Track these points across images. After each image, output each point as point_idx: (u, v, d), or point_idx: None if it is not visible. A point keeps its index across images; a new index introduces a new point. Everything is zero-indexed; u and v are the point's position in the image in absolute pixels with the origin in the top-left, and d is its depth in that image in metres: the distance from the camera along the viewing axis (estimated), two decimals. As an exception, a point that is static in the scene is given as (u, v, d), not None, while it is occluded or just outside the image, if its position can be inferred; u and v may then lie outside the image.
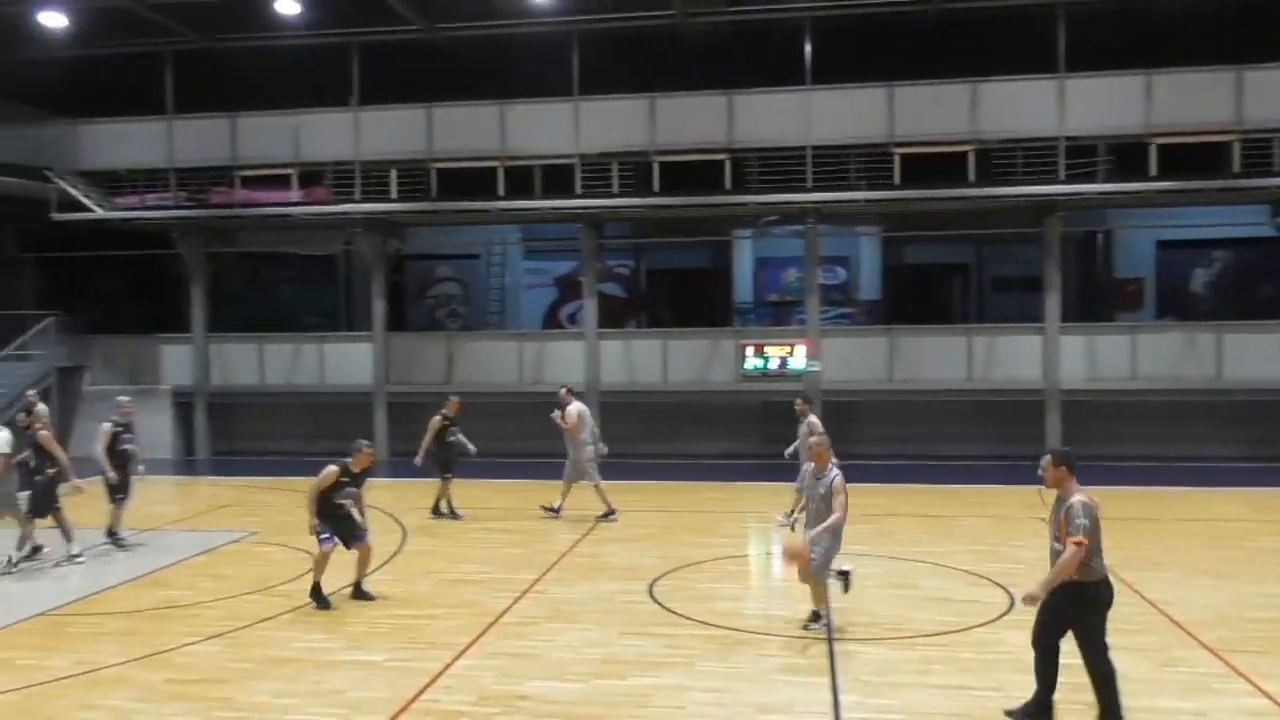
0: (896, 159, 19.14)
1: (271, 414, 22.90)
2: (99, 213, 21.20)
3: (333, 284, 25.98)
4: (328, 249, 23.79)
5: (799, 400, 14.50)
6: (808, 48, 19.37)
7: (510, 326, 24.90)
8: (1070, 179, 18.71)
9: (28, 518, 11.78)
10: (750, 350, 20.57)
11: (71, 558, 11.87)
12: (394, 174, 20.56)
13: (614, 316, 23.58)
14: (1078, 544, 6.48)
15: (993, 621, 9.35)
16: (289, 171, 20.97)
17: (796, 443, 13.94)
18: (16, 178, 21.07)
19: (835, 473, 9.00)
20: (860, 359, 20.52)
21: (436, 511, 14.81)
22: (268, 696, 7.67)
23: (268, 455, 21.99)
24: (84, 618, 9.74)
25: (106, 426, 12.83)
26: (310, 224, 21.92)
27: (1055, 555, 6.73)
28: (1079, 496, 6.66)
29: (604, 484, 14.75)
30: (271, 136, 21.04)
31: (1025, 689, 7.10)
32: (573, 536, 13.38)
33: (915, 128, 19.17)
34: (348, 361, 22.20)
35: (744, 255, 24.87)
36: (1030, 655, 7.00)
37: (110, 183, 21.64)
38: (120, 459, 12.76)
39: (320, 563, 10.01)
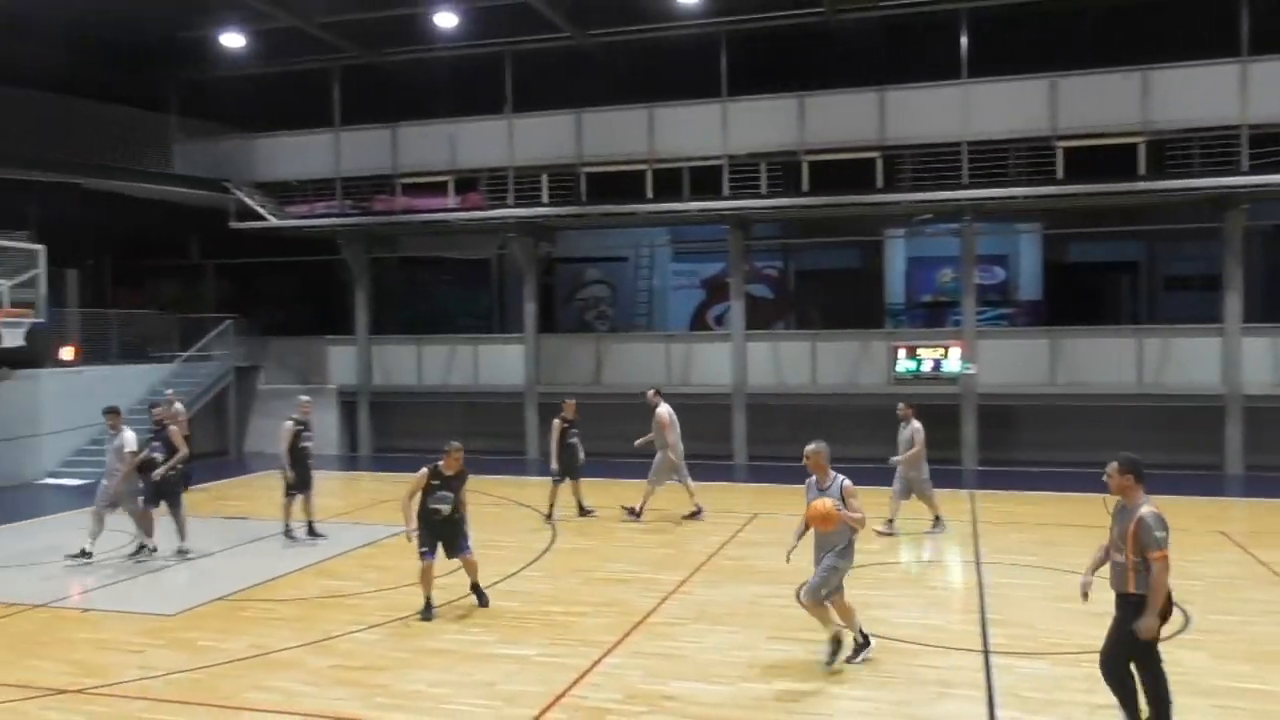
0: (1059, 152, 18.35)
1: (428, 412, 23.68)
2: (272, 221, 22.39)
3: (486, 287, 26.69)
4: (482, 253, 24.50)
5: (902, 404, 14.13)
6: (964, 40, 18.79)
7: (657, 328, 25.03)
8: (1254, 169, 17.55)
9: (145, 506, 12.26)
10: (902, 352, 20.07)
11: (180, 552, 12.23)
12: (545, 179, 20.97)
13: (761, 318, 23.42)
14: (1162, 557, 6.23)
15: (1165, 640, 8.82)
16: (446, 178, 21.67)
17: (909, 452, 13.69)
18: (200, 189, 22.50)
19: (841, 478, 8.40)
20: (1019, 362, 19.76)
21: (549, 517, 14.79)
22: (424, 686, 7.91)
23: (425, 452, 22.67)
24: (258, 603, 10.26)
25: (288, 425, 13.44)
26: (466, 229, 22.62)
27: (1116, 568, 6.48)
28: (1149, 507, 6.37)
29: (694, 484, 14.95)
30: (430, 145, 21.78)
31: (1200, 714, 6.67)
32: (719, 539, 13.33)
33: (1080, 119, 18.32)
34: (500, 362, 22.76)
35: (896, 255, 24.32)
36: (1209, 680, 6.57)
37: (283, 192, 22.83)
38: (300, 456, 13.39)
39: (424, 577, 9.72)
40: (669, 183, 20.30)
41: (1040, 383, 19.52)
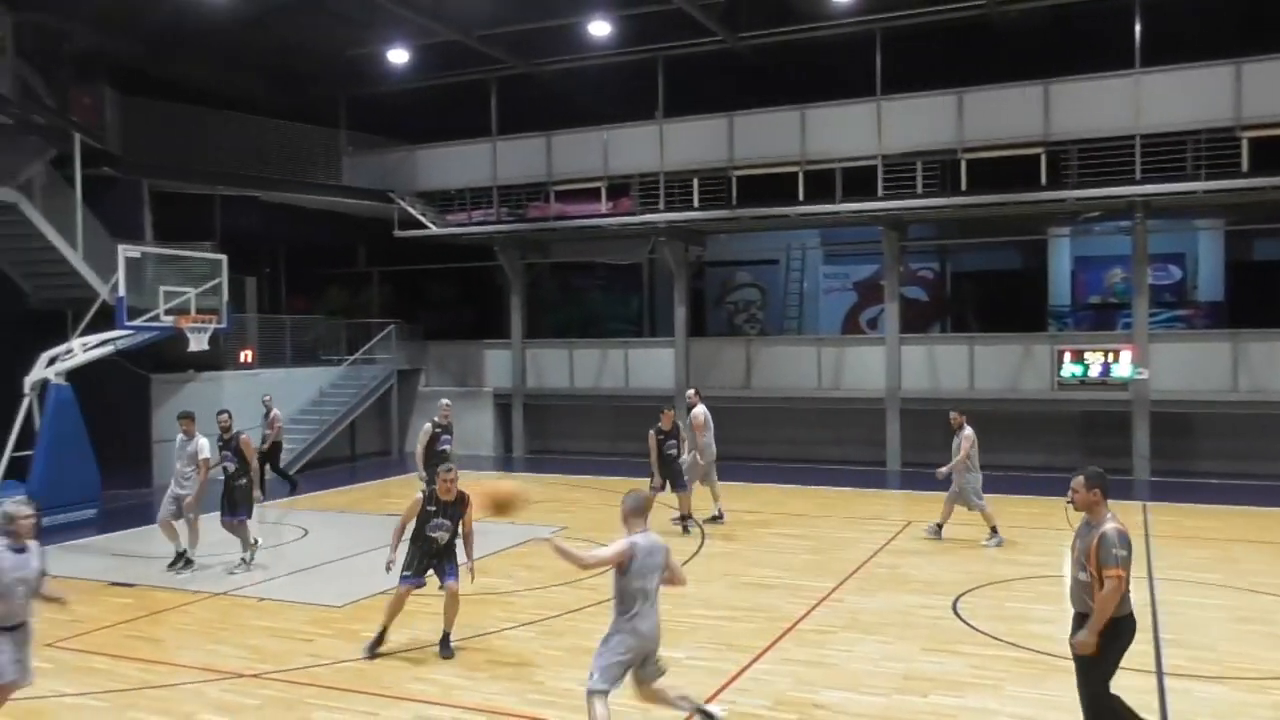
0: (1244, 143, 17.20)
1: (580, 415, 24.07)
2: (433, 229, 23.19)
3: (637, 291, 26.94)
4: (633, 257, 24.74)
5: (954, 413, 13.65)
6: (1137, 28, 17.85)
7: (808, 331, 24.74)
8: None
9: (225, 519, 12.11)
10: (1068, 356, 19.20)
11: (242, 559, 12.10)
12: (696, 182, 21.01)
13: (916, 321, 22.84)
14: (1116, 576, 5.86)
15: (1126, 668, 8.17)
16: (598, 184, 21.98)
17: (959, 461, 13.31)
18: (366, 200, 23.53)
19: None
20: (1197, 367, 18.62)
21: (683, 521, 14.59)
22: (575, 684, 8.01)
23: (576, 454, 23.13)
24: (416, 598, 10.56)
25: (427, 427, 13.88)
26: (617, 234, 22.90)
27: (1077, 585, 6.11)
28: (1112, 524, 6.01)
29: (720, 485, 14.84)
30: (583, 152, 22.14)
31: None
32: (871, 546, 13.06)
33: (1268, 107, 17.13)
34: (650, 366, 22.92)
35: (1061, 255, 23.32)
36: None
37: (443, 201, 23.63)
38: (437, 459, 13.79)
39: (394, 604, 8.93)
40: (821, 184, 20.02)
41: (1221, 389, 18.35)
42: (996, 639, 9.03)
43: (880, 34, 19.44)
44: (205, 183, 21.39)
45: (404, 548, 9.03)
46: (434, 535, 8.84)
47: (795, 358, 21.83)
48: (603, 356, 23.58)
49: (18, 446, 15.57)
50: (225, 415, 12.51)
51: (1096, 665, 6.11)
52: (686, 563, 12.25)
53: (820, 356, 21.43)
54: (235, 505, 12.08)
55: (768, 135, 20.48)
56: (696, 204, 21.02)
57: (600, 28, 20.09)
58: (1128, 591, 6.03)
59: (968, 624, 9.58)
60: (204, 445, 12.07)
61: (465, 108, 23.36)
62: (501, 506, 6.96)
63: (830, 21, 19.68)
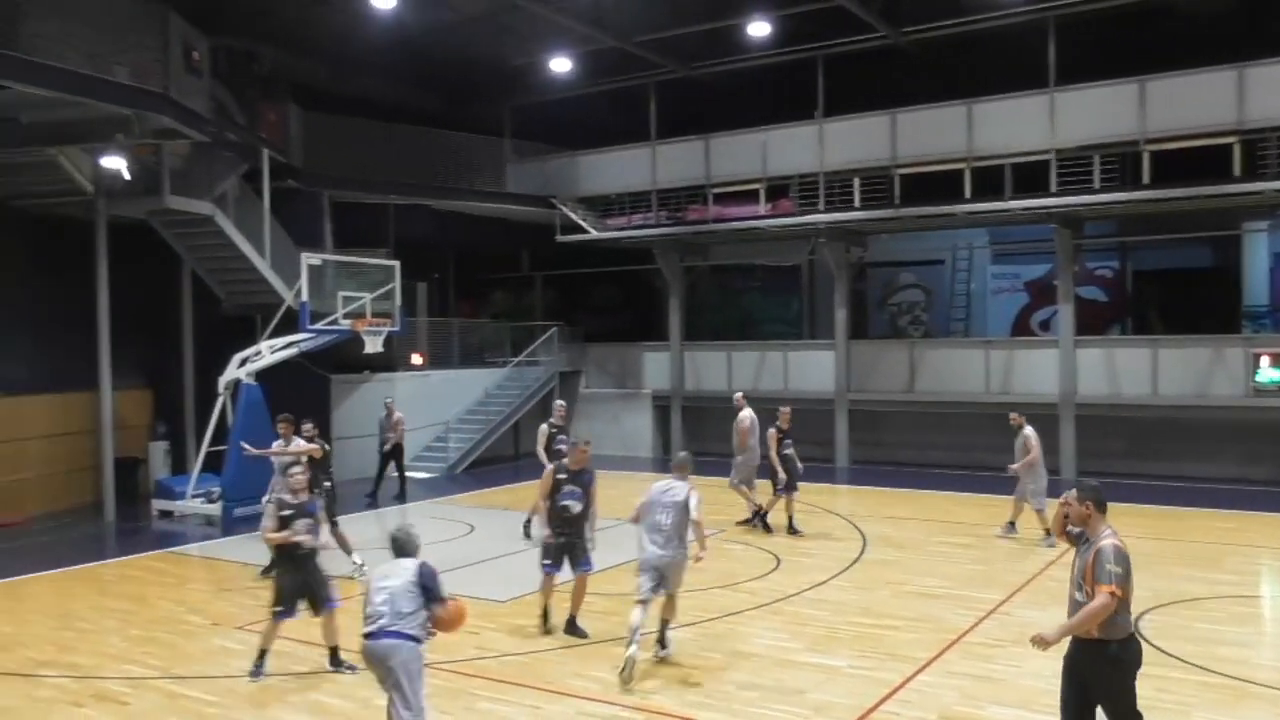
0: None
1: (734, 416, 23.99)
2: (593, 233, 23.59)
3: (795, 293, 26.68)
4: (792, 259, 24.50)
5: (1014, 414, 13.54)
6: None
7: (976, 334, 23.94)
8: None
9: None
10: (1265, 360, 17.91)
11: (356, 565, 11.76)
12: (857, 182, 20.63)
13: (1093, 323, 21.77)
14: (1111, 594, 5.47)
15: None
16: (757, 186, 21.86)
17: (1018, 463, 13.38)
18: (529, 206, 24.15)
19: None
20: None
21: (791, 528, 14.39)
22: (733, 688, 8.02)
23: (731, 457, 23.03)
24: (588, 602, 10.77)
25: (544, 428, 14.11)
26: (776, 235, 22.74)
27: (1073, 606, 5.72)
28: (1110, 540, 5.66)
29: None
30: (741, 154, 22.06)
31: None
32: (1044, 559, 12.53)
33: None
34: (810, 368, 22.66)
35: (1257, 251, 21.76)
36: None
37: (603, 206, 23.99)
38: (555, 457, 13.93)
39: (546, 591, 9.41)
40: (989, 181, 19.32)
41: None
42: (1183, 661, 8.52)
43: (1054, 22, 18.62)
44: (380, 193, 22.40)
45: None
46: (566, 504, 9.39)
47: (962, 361, 21.16)
48: (761, 359, 23.45)
49: (213, 442, 16.68)
50: (308, 426, 12.46)
51: (1116, 697, 5.68)
52: (847, 570, 12.07)
53: (989, 360, 20.70)
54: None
55: (932, 132, 19.91)
56: (858, 204, 20.64)
57: (759, 28, 19.99)
58: (1128, 612, 5.65)
59: (1152, 644, 9.04)
60: (301, 444, 12.17)
61: (624, 113, 23.67)
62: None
63: (1000, 12, 18.99)
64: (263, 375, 16.65)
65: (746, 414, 14.99)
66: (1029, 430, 13.32)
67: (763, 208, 21.75)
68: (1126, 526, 14.20)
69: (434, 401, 22.15)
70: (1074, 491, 5.94)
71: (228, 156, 18.01)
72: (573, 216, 23.66)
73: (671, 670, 8.43)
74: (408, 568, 6.35)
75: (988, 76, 19.36)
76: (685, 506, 8.45)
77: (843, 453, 21.90)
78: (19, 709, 7.71)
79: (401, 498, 18.00)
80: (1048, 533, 12.79)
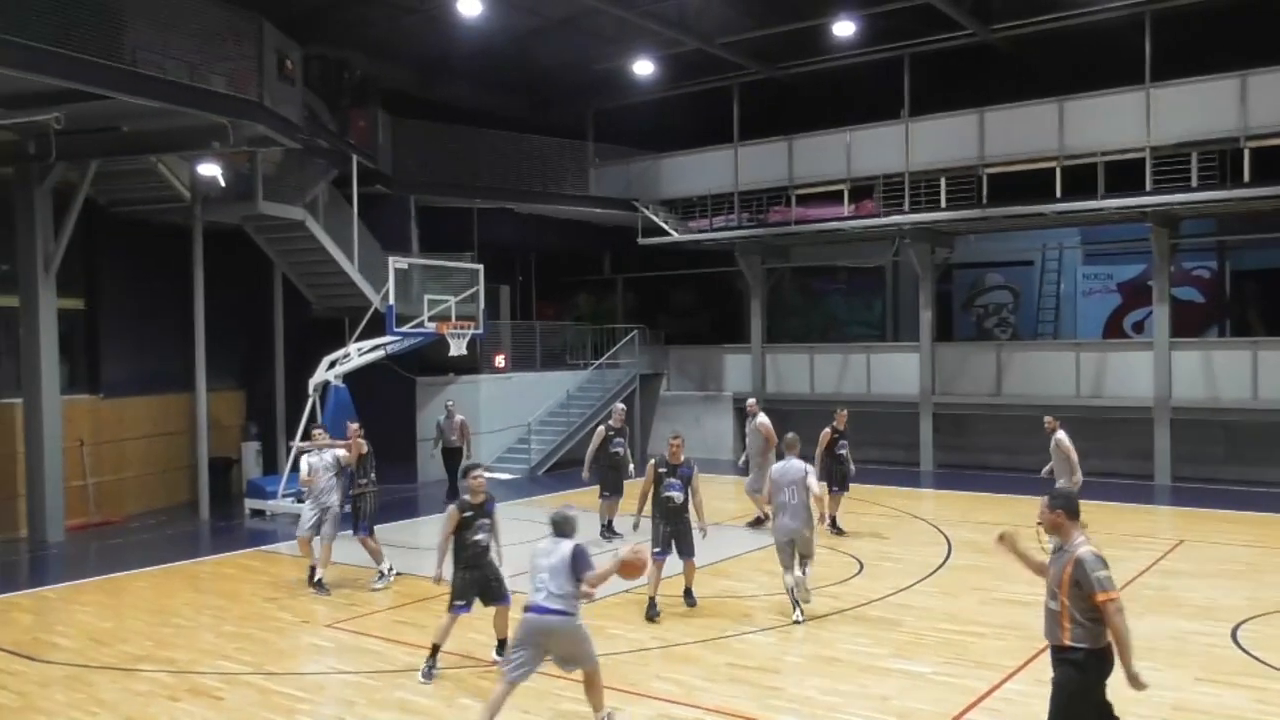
0: None
1: (821, 421, 23.73)
2: (675, 236, 23.60)
3: (879, 294, 26.33)
4: (875, 260, 24.20)
5: (1048, 418, 13.18)
6: None
7: (1066, 336, 23.35)
8: None
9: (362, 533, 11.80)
10: (1372, 363, 17.16)
11: (382, 575, 11.80)
12: (943, 182, 20.28)
13: (1189, 325, 21.06)
14: (1111, 599, 5.47)
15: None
16: (841, 187, 21.63)
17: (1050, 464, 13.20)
18: (612, 209, 24.28)
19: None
20: None
21: (834, 527, 14.27)
22: (816, 692, 7.95)
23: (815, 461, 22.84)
24: (659, 598, 10.80)
25: (600, 430, 14.13)
26: (860, 237, 22.48)
27: (1049, 616, 5.71)
28: (1086, 547, 5.61)
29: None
30: (824, 155, 21.84)
31: None
32: (1137, 566, 12.17)
33: None
34: (893, 371, 22.35)
35: (1363, 250, 20.86)
36: None
37: (685, 208, 23.99)
38: (610, 460, 13.96)
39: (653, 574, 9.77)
40: (1080, 180, 18.82)
41: None
42: (1285, 674, 8.21)
43: (1150, 16, 18.07)
44: (465, 197, 22.75)
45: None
46: (670, 495, 10.27)
47: (1052, 363, 20.66)
48: (844, 361, 23.20)
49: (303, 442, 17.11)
50: (355, 425, 12.34)
51: (1070, 703, 5.68)
52: (932, 575, 11.87)
53: (1079, 362, 20.18)
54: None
55: (1022, 130, 19.47)
56: (944, 204, 20.29)
57: (844, 28, 19.78)
58: (1100, 625, 5.56)
59: (1250, 654, 8.75)
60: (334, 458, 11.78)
61: (707, 114, 23.64)
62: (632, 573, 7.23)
63: (1095, 7, 18.49)
64: (350, 377, 17.02)
65: (764, 420, 14.95)
66: (1062, 434, 12.97)
67: (846, 209, 21.51)
68: (1225, 534, 13.81)
69: (516, 404, 22.41)
70: (1045, 498, 5.93)
71: (318, 163, 18.47)
72: (655, 219, 23.71)
73: (754, 674, 8.39)
74: (564, 549, 6.94)
75: (1079, 73, 18.89)
76: (805, 482, 9.82)
77: (927, 456, 21.56)
78: (117, 703, 8.00)
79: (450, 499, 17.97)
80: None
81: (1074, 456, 12.84)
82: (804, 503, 9.82)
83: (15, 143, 14.45)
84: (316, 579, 11.48)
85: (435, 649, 8.52)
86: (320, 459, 11.70)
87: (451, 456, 18.01)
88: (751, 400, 15.74)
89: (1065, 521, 5.77)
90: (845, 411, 15.14)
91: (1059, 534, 5.82)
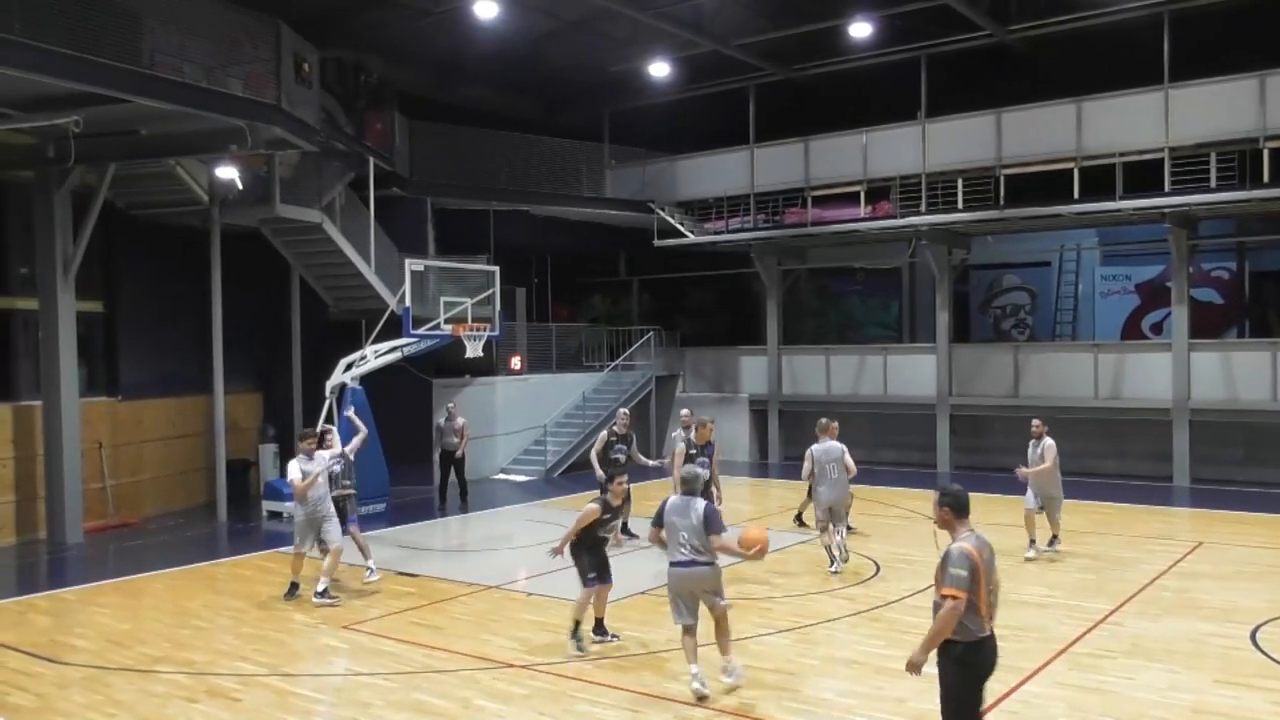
0: None
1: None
2: (691, 237, 23.59)
3: (895, 295, 26.26)
4: (892, 262, 24.13)
5: (1036, 421, 12.76)
6: None
7: (1084, 337, 23.23)
8: None
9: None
10: (1395, 364, 17.00)
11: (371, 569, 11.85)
12: (960, 183, 20.20)
13: (1208, 326, 20.91)
14: (951, 597, 5.55)
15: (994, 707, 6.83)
16: (857, 188, 21.58)
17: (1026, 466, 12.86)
18: (627, 211, 24.29)
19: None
20: None
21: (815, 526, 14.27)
22: (833, 695, 7.93)
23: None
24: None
25: (603, 435, 14.04)
26: (876, 238, 22.42)
27: (935, 608, 5.75)
28: (960, 543, 5.71)
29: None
30: (841, 156, 21.80)
31: None
32: (1155, 568, 12.09)
33: None
34: (910, 373, 22.27)
35: (1385, 250, 20.67)
36: None
37: (700, 210, 23.99)
38: (612, 466, 13.81)
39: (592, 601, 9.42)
40: (1098, 181, 18.72)
41: None
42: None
43: (1169, 16, 17.96)
44: (481, 199, 22.79)
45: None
46: (701, 472, 11.45)
47: (1069, 365, 20.55)
48: (860, 363, 23.14)
49: (319, 445, 17.13)
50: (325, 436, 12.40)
51: (953, 698, 5.74)
52: (949, 577, 11.82)
53: (1098, 364, 20.07)
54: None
55: (1039, 131, 19.37)
56: (961, 205, 20.21)
57: (861, 29, 19.74)
58: (978, 615, 5.64)
59: (1270, 657, 8.68)
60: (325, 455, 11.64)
61: (723, 116, 23.62)
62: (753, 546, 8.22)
63: (1113, 7, 18.39)
64: (367, 379, 17.07)
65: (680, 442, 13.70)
66: (1049, 440, 12.64)
67: (863, 210, 21.46)
68: (1244, 535, 13.70)
69: (532, 405, 22.45)
70: (935, 493, 6.04)
71: (335, 165, 18.54)
72: (670, 220, 23.71)
73: (771, 676, 8.37)
74: (698, 509, 7.99)
75: (1097, 73, 18.78)
76: (843, 461, 12.24)
77: (944, 458, 21.47)
78: (135, 704, 8.04)
79: (463, 501, 17.88)
80: (1054, 539, 12.90)
81: (1053, 463, 12.56)
82: (843, 477, 12.17)
83: (35, 146, 14.58)
84: (320, 589, 11.10)
85: (577, 625, 9.23)
86: (315, 464, 11.30)
87: (449, 459, 17.98)
88: (685, 411, 14.65)
89: (952, 518, 5.87)
90: (835, 425, 13.88)
91: (948, 530, 5.92)
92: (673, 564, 8.02)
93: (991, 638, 5.78)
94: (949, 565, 5.67)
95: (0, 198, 15.57)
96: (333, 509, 11.46)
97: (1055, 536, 12.94)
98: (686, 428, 13.72)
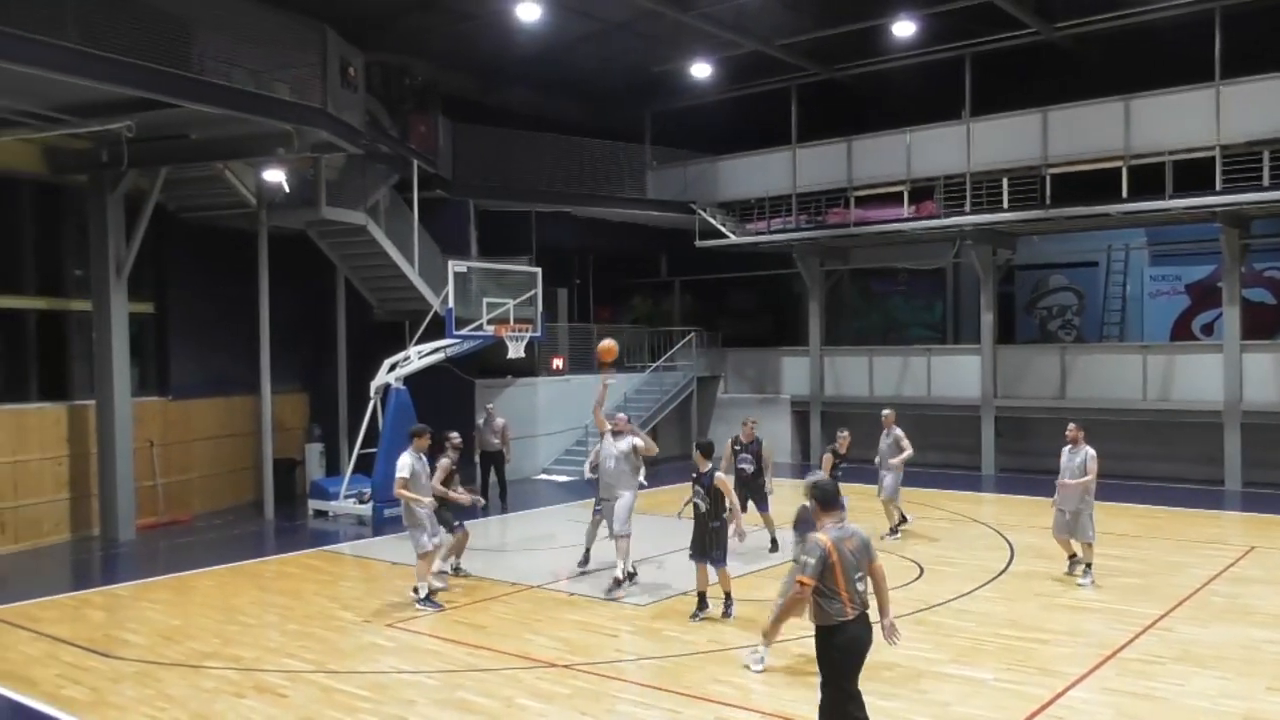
0: None
1: (879, 424, 23.58)
2: (732, 238, 23.54)
3: (939, 296, 26.02)
4: (936, 262, 23.92)
5: (1072, 425, 11.81)
6: None
7: (1132, 338, 22.87)
8: None
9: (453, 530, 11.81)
10: None
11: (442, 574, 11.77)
12: (1005, 183, 19.98)
13: (1261, 327, 20.50)
14: (798, 583, 6.08)
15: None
16: (900, 188, 21.41)
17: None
18: (669, 212, 24.29)
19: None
20: None
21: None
22: (875, 698, 7.83)
23: (871, 465, 22.62)
24: (714, 601, 10.79)
25: (728, 445, 13.99)
26: (920, 238, 22.23)
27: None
28: (817, 534, 6.14)
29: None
30: (884, 156, 21.63)
31: None
32: (1206, 572, 11.88)
33: None
34: (954, 374, 22.06)
35: None
36: None
37: (743, 210, 23.92)
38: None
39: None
40: (1147, 179, 18.42)
41: None
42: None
43: (1220, 13, 17.63)
44: (523, 200, 22.91)
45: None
46: (742, 466, 13.23)
47: (1118, 366, 20.25)
48: (904, 364, 22.96)
49: (364, 444, 17.36)
50: (455, 434, 12.54)
51: (825, 679, 6.20)
52: (994, 580, 11.71)
53: (1146, 365, 19.75)
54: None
55: (1086, 129, 19.10)
56: (1006, 205, 19.99)
57: (904, 28, 19.59)
58: (838, 599, 5.99)
59: (1325, 666, 8.50)
60: (443, 463, 11.74)
61: (765, 116, 23.55)
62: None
63: (1163, 4, 18.10)
64: (411, 380, 17.22)
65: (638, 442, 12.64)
66: (1091, 449, 11.51)
67: (906, 210, 21.29)
68: (1300, 542, 13.22)
69: (574, 406, 22.49)
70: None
71: (380, 168, 18.74)
72: (712, 221, 23.67)
73: (811, 678, 8.30)
74: (857, 531, 6.40)
75: (1144, 71, 18.48)
76: (896, 443, 14.19)
77: (989, 460, 21.25)
78: (185, 699, 8.18)
79: (503, 501, 17.86)
80: (1073, 558, 11.79)
81: (1095, 474, 11.42)
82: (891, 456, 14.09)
83: (89, 151, 14.90)
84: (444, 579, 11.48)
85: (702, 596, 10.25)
86: (425, 464, 11.25)
87: (490, 459, 18.04)
88: (621, 416, 12.97)
89: (820, 511, 6.30)
90: (848, 435, 14.30)
91: (818, 521, 6.32)
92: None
93: (856, 622, 6.08)
94: (800, 553, 6.24)
95: (56, 201, 15.91)
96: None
97: (1087, 563, 11.53)
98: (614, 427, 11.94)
